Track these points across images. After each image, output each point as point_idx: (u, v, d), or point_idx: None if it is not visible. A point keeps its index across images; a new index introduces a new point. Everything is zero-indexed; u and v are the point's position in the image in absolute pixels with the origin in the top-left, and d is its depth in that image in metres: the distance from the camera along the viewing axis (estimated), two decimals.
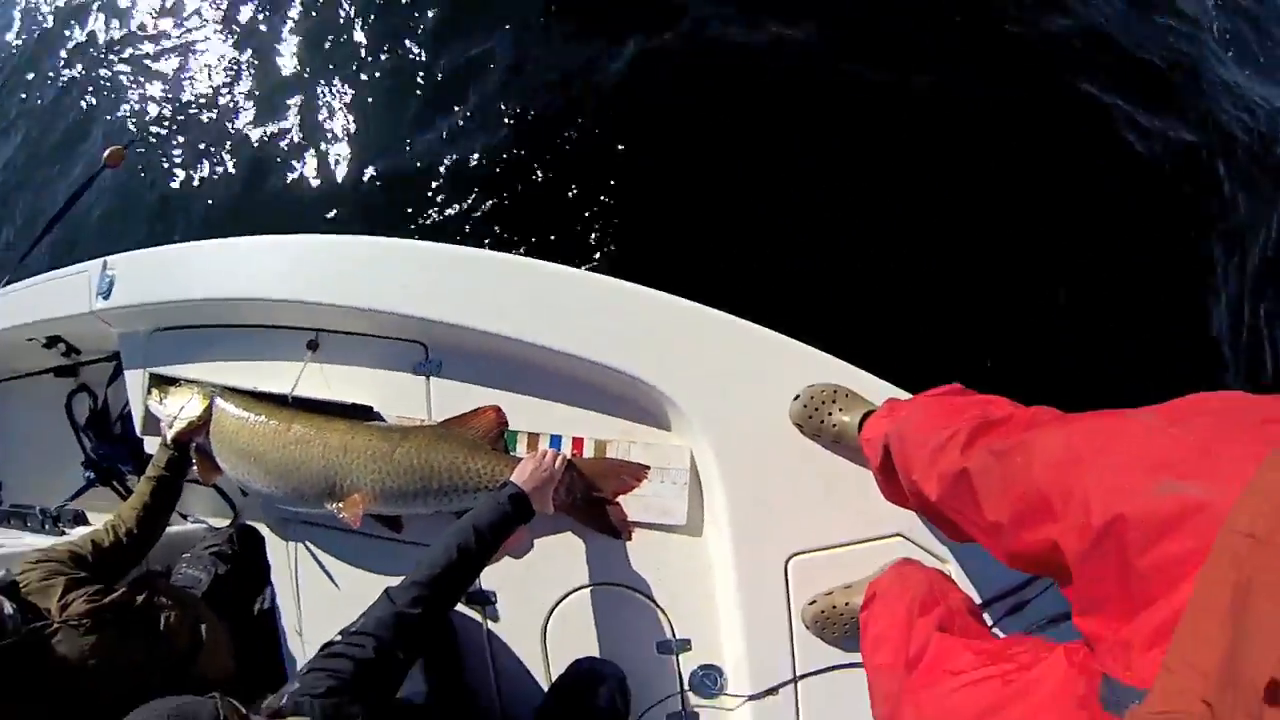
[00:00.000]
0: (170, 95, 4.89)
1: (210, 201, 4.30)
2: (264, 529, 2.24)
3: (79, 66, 5.56)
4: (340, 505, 1.74)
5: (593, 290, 1.74)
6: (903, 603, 1.31)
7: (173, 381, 2.09)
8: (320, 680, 1.28)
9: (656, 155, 3.12)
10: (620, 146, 3.19)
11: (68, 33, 5.83)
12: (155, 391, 2.09)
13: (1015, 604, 1.55)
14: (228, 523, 2.44)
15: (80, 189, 2.99)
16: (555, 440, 1.80)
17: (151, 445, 2.18)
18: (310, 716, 1.20)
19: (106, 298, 2.24)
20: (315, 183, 3.95)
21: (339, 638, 1.36)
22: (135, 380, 2.24)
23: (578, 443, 1.79)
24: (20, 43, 6.41)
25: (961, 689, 0.96)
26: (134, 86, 5.11)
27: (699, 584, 1.73)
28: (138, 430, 2.20)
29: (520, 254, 1.95)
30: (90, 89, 5.37)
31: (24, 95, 6.03)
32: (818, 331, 1.73)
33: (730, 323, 1.67)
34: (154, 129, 4.73)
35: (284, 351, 2.01)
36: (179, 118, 4.74)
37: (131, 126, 4.80)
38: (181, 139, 4.61)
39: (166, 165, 4.53)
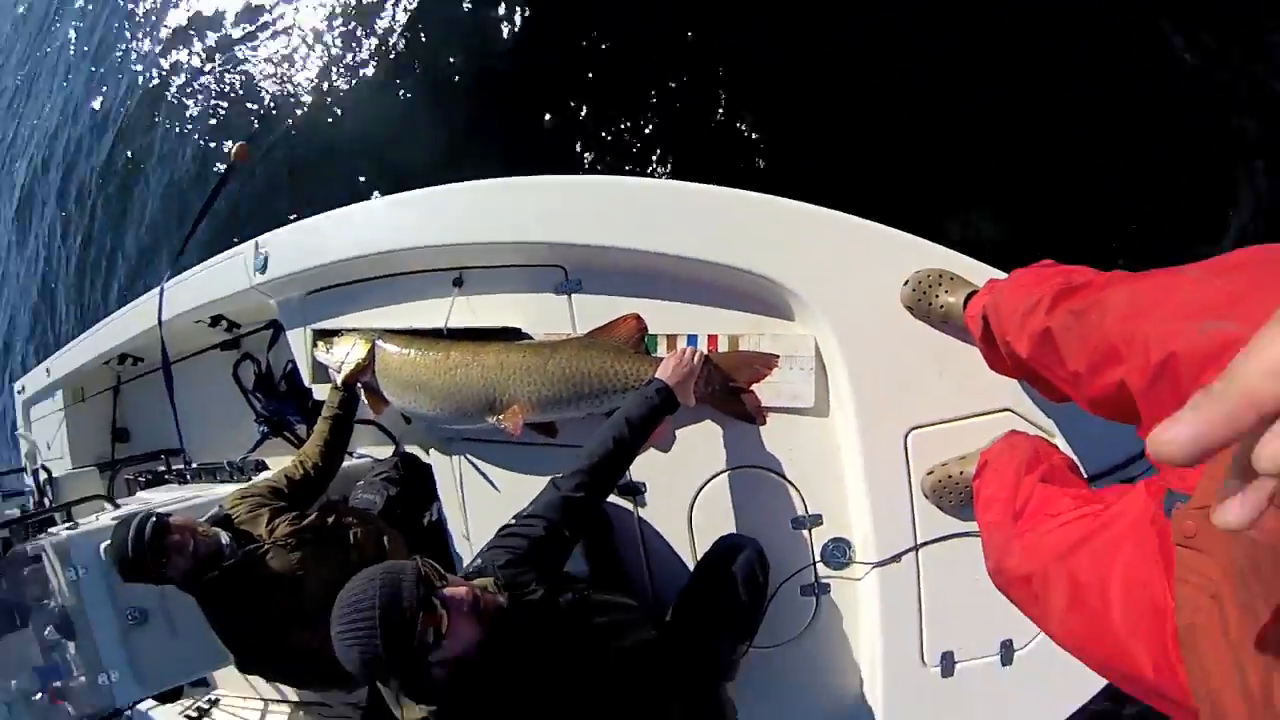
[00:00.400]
0: (278, 89, 5.28)
1: (326, 174, 4.63)
2: (421, 451, 2.51)
3: (194, 75, 6.07)
4: (501, 418, 1.95)
5: (712, 200, 1.84)
6: (1011, 465, 1.42)
7: (334, 333, 2.35)
8: (499, 554, 1.49)
9: (761, 63, 3.12)
10: (718, 60, 3.20)
11: (173, 48, 6.33)
12: (320, 344, 2.35)
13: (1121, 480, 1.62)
14: (390, 452, 2.72)
15: (217, 187, 3.24)
16: (692, 339, 1.94)
17: (321, 393, 2.46)
18: (493, 578, 1.42)
19: (263, 272, 2.51)
20: (419, 144, 4.18)
21: (513, 521, 1.56)
22: (297, 338, 2.51)
23: (712, 339, 1.93)
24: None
25: (1059, 528, 1.08)
26: (246, 86, 5.54)
27: (827, 462, 1.87)
28: (307, 381, 2.47)
29: (639, 174, 2.04)
30: (206, 95, 5.85)
31: (155, 117, 6.62)
32: (920, 221, 1.80)
33: (840, 218, 1.75)
34: (268, 122, 5.10)
35: (431, 292, 2.22)
36: (288, 108, 5.09)
37: (248, 122, 5.18)
38: (292, 124, 4.96)
39: (284, 150, 4.90)
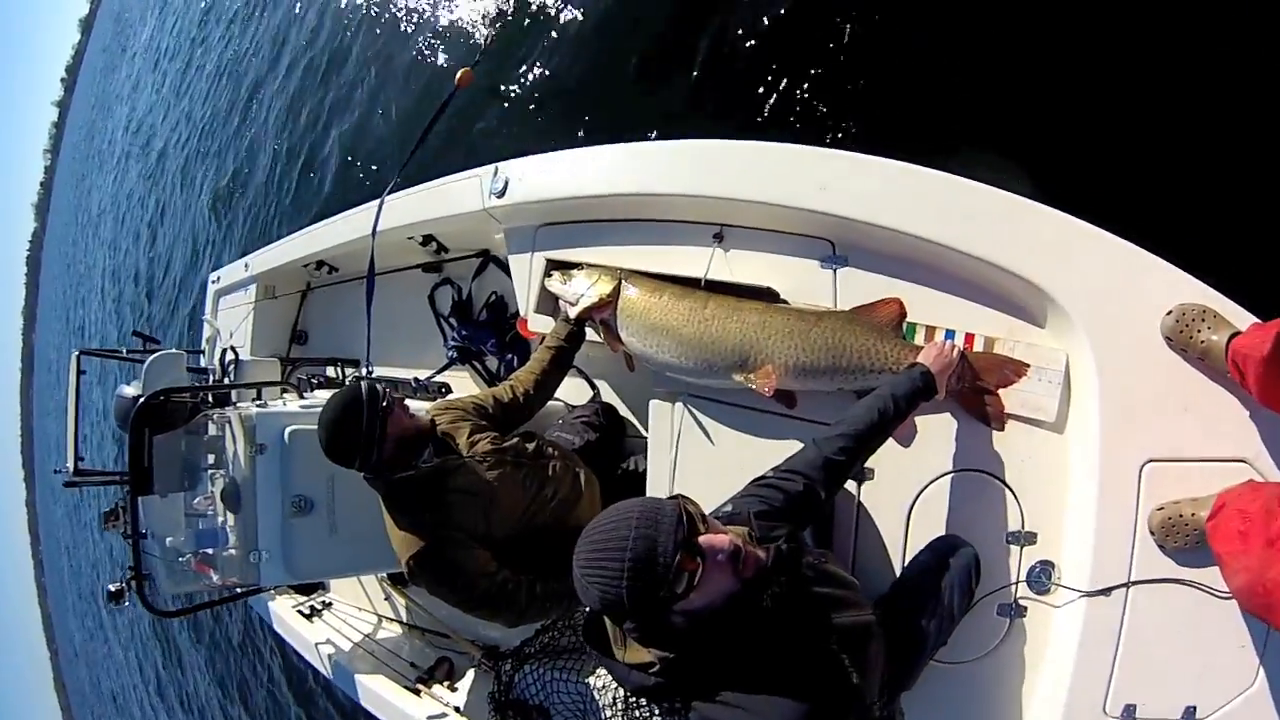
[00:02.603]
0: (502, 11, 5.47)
1: (547, 109, 4.76)
2: (619, 402, 2.54)
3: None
4: (752, 376, 1.93)
5: (996, 202, 1.82)
6: (1259, 501, 1.43)
7: (572, 266, 2.35)
8: (754, 503, 1.46)
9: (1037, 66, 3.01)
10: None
11: None
12: (556, 275, 2.35)
13: None
14: (588, 399, 2.78)
15: (439, 110, 3.33)
16: (949, 334, 1.91)
17: (537, 324, 2.51)
18: (747, 526, 1.38)
19: (500, 196, 2.57)
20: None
21: (770, 473, 1.54)
22: (523, 266, 2.56)
23: (969, 337, 1.90)
24: None
25: None
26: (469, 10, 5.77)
27: (1054, 480, 1.82)
28: (531, 309, 2.51)
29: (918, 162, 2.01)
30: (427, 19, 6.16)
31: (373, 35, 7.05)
32: (1194, 258, 1.73)
33: (1115, 241, 1.72)
34: (493, 47, 5.31)
35: (686, 241, 2.23)
36: (515, 33, 5.25)
37: (473, 47, 5.44)
38: (520, 52, 5.12)
39: (507, 78, 5.08)
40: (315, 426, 2.46)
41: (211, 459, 2.66)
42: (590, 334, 2.33)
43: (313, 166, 7.85)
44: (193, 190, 12.85)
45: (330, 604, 3.86)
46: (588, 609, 1.36)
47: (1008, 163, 2.67)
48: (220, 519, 2.60)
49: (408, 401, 2.05)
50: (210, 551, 2.58)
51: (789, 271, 2.08)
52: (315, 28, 8.77)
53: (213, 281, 4.77)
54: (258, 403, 2.74)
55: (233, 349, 3.79)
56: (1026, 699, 1.85)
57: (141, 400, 2.58)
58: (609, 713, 2.28)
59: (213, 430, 2.64)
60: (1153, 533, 1.66)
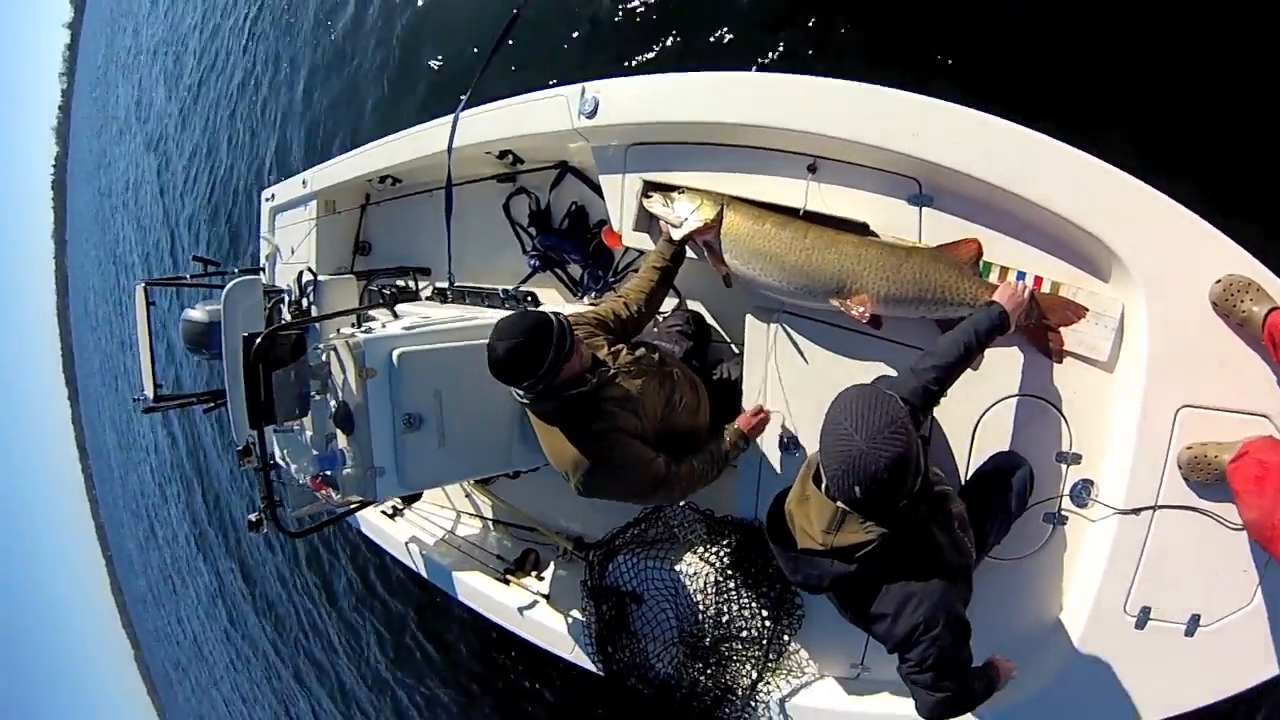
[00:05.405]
0: None
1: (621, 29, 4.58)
2: (704, 310, 2.79)
3: None
4: (849, 302, 2.17)
5: (1075, 162, 2.02)
6: (1277, 454, 1.74)
7: (672, 188, 2.49)
8: None
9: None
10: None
11: None
12: (657, 196, 2.49)
13: None
14: (673, 307, 2.95)
15: (511, 20, 3.36)
16: (1020, 275, 2.16)
17: (633, 240, 2.70)
18: None
19: (590, 117, 2.68)
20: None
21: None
22: (615, 184, 2.70)
23: (1038, 280, 2.16)
24: None
25: None
26: None
27: (1100, 412, 2.13)
28: (629, 227, 2.67)
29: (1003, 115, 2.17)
30: None
31: None
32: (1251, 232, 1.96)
33: (1180, 209, 1.93)
34: None
35: (780, 170, 2.39)
36: None
37: None
38: None
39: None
40: (421, 347, 2.64)
41: (317, 385, 2.77)
42: (689, 252, 2.50)
43: (352, 72, 7.50)
44: (215, 109, 12.33)
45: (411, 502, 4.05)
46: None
47: (1092, 126, 2.80)
48: (335, 441, 2.73)
49: None
50: (329, 472, 2.74)
51: (877, 205, 2.28)
52: None
53: (266, 199, 4.77)
54: (363, 330, 2.79)
55: (310, 270, 3.84)
56: (1061, 593, 2.23)
57: (258, 342, 2.63)
58: (700, 596, 2.64)
59: (320, 358, 2.74)
60: (1180, 467, 1.96)
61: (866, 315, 2.16)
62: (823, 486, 1.63)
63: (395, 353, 2.60)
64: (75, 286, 36.59)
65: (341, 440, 2.69)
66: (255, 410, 2.66)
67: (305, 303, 3.73)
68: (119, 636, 37.73)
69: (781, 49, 3.84)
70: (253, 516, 2.85)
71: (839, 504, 1.59)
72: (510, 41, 4.11)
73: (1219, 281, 1.89)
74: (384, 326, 2.86)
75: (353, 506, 3.26)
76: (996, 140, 2.08)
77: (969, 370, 2.17)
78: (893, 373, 2.30)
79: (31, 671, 56.40)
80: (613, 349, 2.23)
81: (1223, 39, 2.82)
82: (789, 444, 2.51)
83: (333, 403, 2.72)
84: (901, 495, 1.51)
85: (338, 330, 2.85)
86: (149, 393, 3.91)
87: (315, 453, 2.87)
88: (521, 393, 2.02)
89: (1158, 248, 1.96)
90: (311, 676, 9.84)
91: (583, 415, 2.07)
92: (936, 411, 2.23)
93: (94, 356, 28.62)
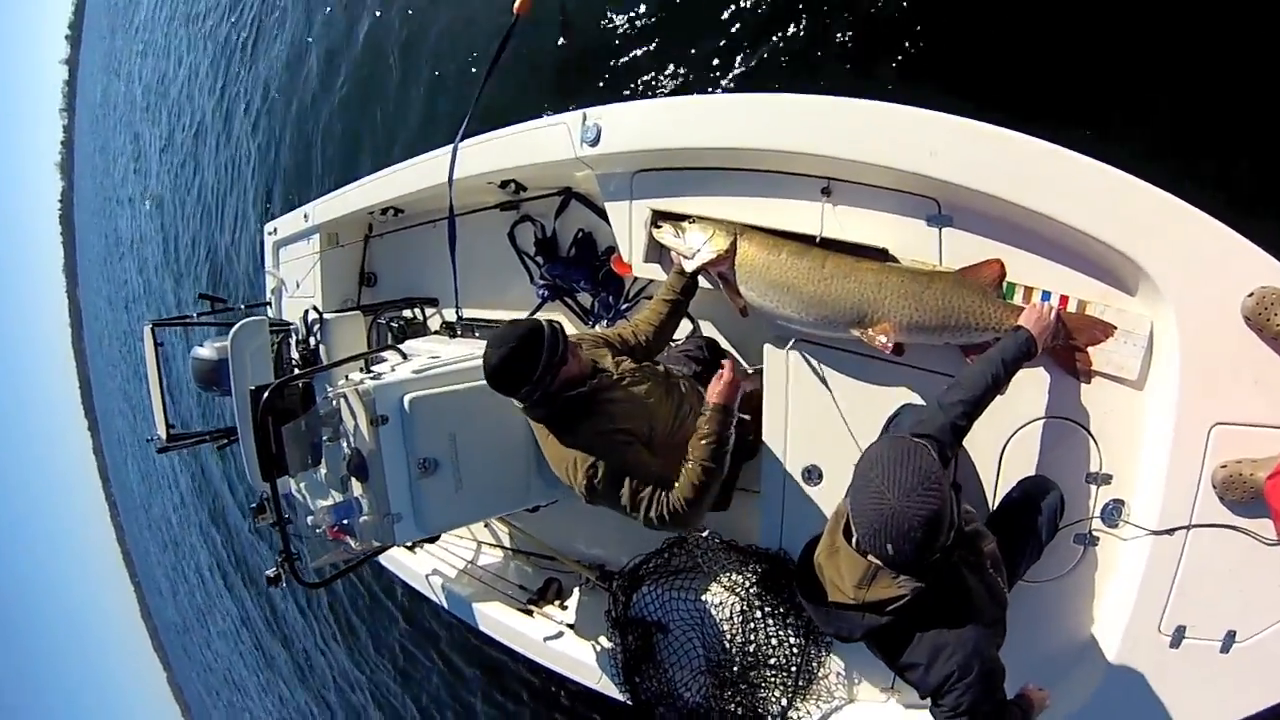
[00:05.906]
0: None
1: (614, 51, 4.48)
2: (718, 335, 2.74)
3: None
4: (871, 332, 2.12)
5: (1096, 176, 1.95)
6: None
7: (682, 217, 2.44)
8: None
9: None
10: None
11: None
12: (666, 226, 2.44)
13: None
14: (687, 334, 2.91)
15: (503, 42, 3.31)
16: (1045, 295, 2.10)
17: (642, 271, 2.65)
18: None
19: (593, 145, 2.63)
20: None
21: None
22: (622, 212, 2.66)
23: (1063, 299, 2.09)
24: None
25: None
26: None
27: (1131, 431, 2.07)
28: (639, 259, 2.62)
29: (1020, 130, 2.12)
30: None
31: None
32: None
33: (1209, 220, 1.87)
34: None
35: (793, 194, 2.34)
36: None
37: None
38: None
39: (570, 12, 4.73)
40: (432, 391, 2.60)
41: (329, 432, 2.73)
42: (702, 281, 2.44)
43: (359, 105, 7.45)
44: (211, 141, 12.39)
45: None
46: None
47: (1114, 137, 2.75)
48: (351, 488, 2.69)
49: None
50: (346, 521, 2.70)
51: (895, 227, 2.23)
52: None
53: (269, 233, 4.75)
54: (370, 375, 2.77)
55: (315, 309, 3.81)
56: (1094, 613, 2.18)
57: (264, 396, 2.62)
58: (726, 626, 2.61)
59: (330, 405, 2.70)
60: (1214, 486, 1.90)
61: (890, 345, 2.11)
62: (853, 541, 1.59)
63: (406, 398, 2.57)
64: (88, 318, 37.08)
65: (357, 487, 2.67)
66: (267, 463, 2.66)
67: (313, 341, 3.70)
68: (152, 660, 38.12)
69: (785, 66, 3.77)
70: (270, 572, 2.85)
71: (871, 559, 1.56)
72: (506, 65, 4.05)
73: (1251, 294, 1.83)
74: (393, 370, 2.83)
75: (371, 552, 3.23)
76: (1016, 156, 2.02)
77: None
78: (916, 398, 2.26)
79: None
80: (617, 359, 2.21)
81: (1249, 44, 2.75)
82: (812, 474, 2.46)
83: (345, 449, 2.68)
84: (935, 551, 1.47)
85: (346, 376, 2.82)
86: (161, 433, 3.93)
87: (332, 491, 2.84)
88: (520, 402, 2.02)
89: (1186, 261, 1.89)
90: (336, 702, 9.91)
91: (582, 415, 2.05)
92: (966, 438, 2.20)
93: (110, 383, 28.87)
